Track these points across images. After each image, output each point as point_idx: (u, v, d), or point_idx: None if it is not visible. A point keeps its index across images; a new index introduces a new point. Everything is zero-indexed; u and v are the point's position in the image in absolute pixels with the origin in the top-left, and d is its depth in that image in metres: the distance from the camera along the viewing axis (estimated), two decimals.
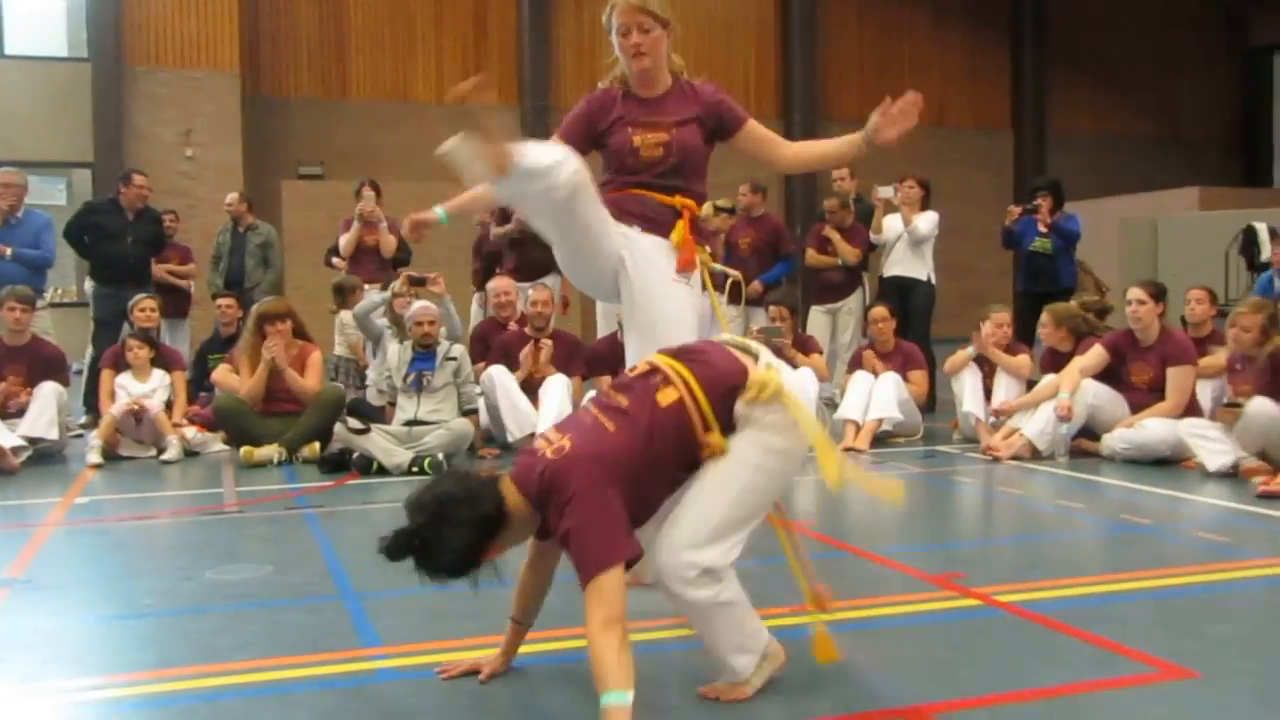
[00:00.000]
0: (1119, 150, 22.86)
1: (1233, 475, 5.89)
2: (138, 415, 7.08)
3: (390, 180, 11.62)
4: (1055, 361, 7.11)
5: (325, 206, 14.75)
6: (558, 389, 7.00)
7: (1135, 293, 6.78)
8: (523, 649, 3.21)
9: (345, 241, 8.99)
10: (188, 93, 16.22)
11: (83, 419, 8.33)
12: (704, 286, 3.88)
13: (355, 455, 6.41)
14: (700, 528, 2.72)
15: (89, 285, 9.76)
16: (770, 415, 2.76)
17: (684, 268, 3.74)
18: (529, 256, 8.39)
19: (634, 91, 3.88)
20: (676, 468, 2.76)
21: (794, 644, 3.26)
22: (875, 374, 7.44)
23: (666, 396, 2.74)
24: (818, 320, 9.53)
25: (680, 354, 2.88)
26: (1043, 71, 22.60)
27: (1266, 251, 12.88)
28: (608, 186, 3.80)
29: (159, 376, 7.48)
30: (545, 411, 6.89)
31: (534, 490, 2.66)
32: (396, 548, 2.65)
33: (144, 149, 15.87)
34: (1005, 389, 7.17)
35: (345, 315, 8.48)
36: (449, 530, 2.59)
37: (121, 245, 8.69)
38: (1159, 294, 6.78)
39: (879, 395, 7.29)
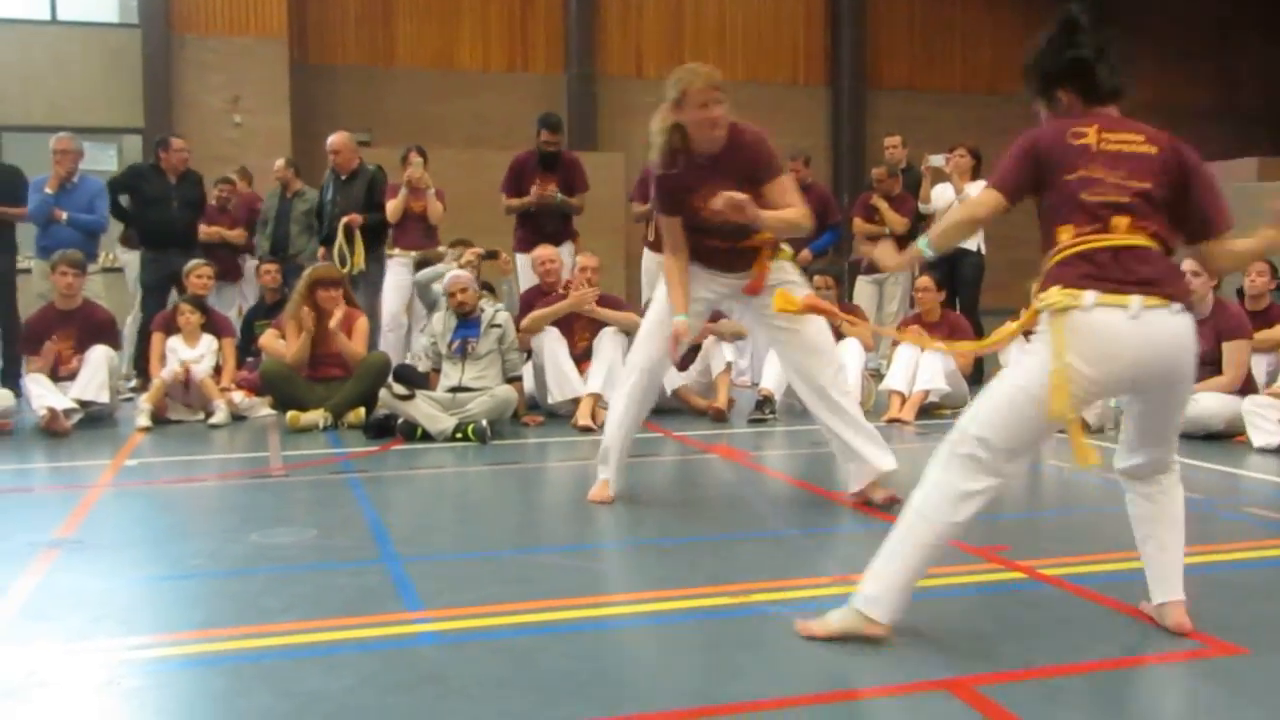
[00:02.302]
0: (1176, 119, 22.17)
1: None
2: (185, 380, 7.17)
3: (437, 147, 11.63)
4: None
5: None
6: (611, 346, 7.02)
7: (1189, 264, 6.64)
8: (563, 615, 3.22)
9: (392, 208, 9.01)
10: (236, 59, 16.32)
11: (132, 383, 8.45)
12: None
13: (400, 421, 6.45)
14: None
15: (120, 251, 9.89)
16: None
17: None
18: (543, 228, 8.45)
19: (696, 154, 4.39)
20: None
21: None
22: (921, 348, 7.36)
23: None
24: (865, 290, 9.45)
25: None
26: (1098, 38, 22.17)
27: None
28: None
29: (208, 342, 7.57)
30: (596, 368, 6.93)
31: None
32: None
33: (193, 115, 16.00)
34: None
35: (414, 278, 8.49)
36: None
37: (167, 210, 8.78)
38: None
39: (925, 366, 7.22)
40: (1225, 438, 6.28)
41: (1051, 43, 3.14)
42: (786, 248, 4.69)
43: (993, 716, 2.50)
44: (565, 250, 8.33)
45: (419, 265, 8.21)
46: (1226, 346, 6.46)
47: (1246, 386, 6.34)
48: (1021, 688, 2.68)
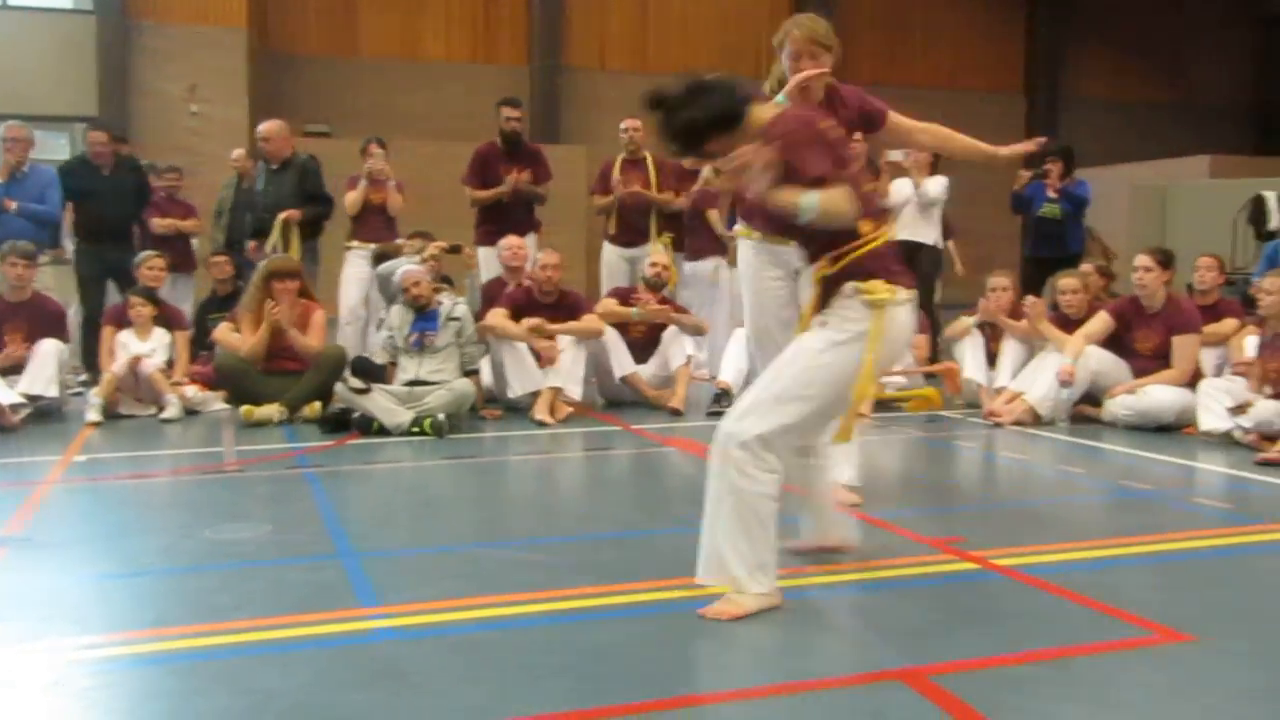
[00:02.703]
0: (1131, 116, 22.70)
1: (1227, 442, 5.89)
2: (134, 369, 7.07)
3: (399, 139, 11.57)
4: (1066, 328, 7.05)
5: (331, 164, 14.60)
6: (571, 343, 7.05)
7: (1142, 259, 6.74)
8: (521, 609, 3.22)
9: (351, 200, 8.94)
10: (194, 48, 16.14)
11: (83, 376, 8.35)
12: None
13: (356, 415, 6.41)
14: (748, 401, 3.22)
15: (68, 241, 9.73)
16: (851, 313, 3.17)
17: None
18: (509, 219, 8.43)
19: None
20: None
21: (796, 605, 3.27)
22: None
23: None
24: None
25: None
26: (1057, 36, 22.40)
27: (1275, 220, 12.84)
28: None
29: (160, 335, 7.48)
30: (559, 362, 6.97)
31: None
32: (658, 99, 3.17)
33: (149, 104, 15.83)
34: (1011, 355, 7.14)
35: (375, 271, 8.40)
36: (705, 99, 3.14)
37: (99, 202, 8.59)
38: (1166, 261, 6.73)
39: None
40: (1175, 429, 6.38)
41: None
42: None
43: (946, 706, 2.52)
44: (530, 241, 8.31)
45: (378, 258, 8.15)
46: (1176, 341, 6.56)
47: (1195, 380, 6.43)
48: (974, 677, 2.71)
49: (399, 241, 8.33)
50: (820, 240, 3.24)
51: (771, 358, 4.30)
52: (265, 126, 8.49)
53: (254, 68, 16.82)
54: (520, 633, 3.07)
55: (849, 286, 3.19)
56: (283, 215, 8.04)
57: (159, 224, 9.33)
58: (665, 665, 2.83)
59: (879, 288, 3.16)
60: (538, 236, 8.67)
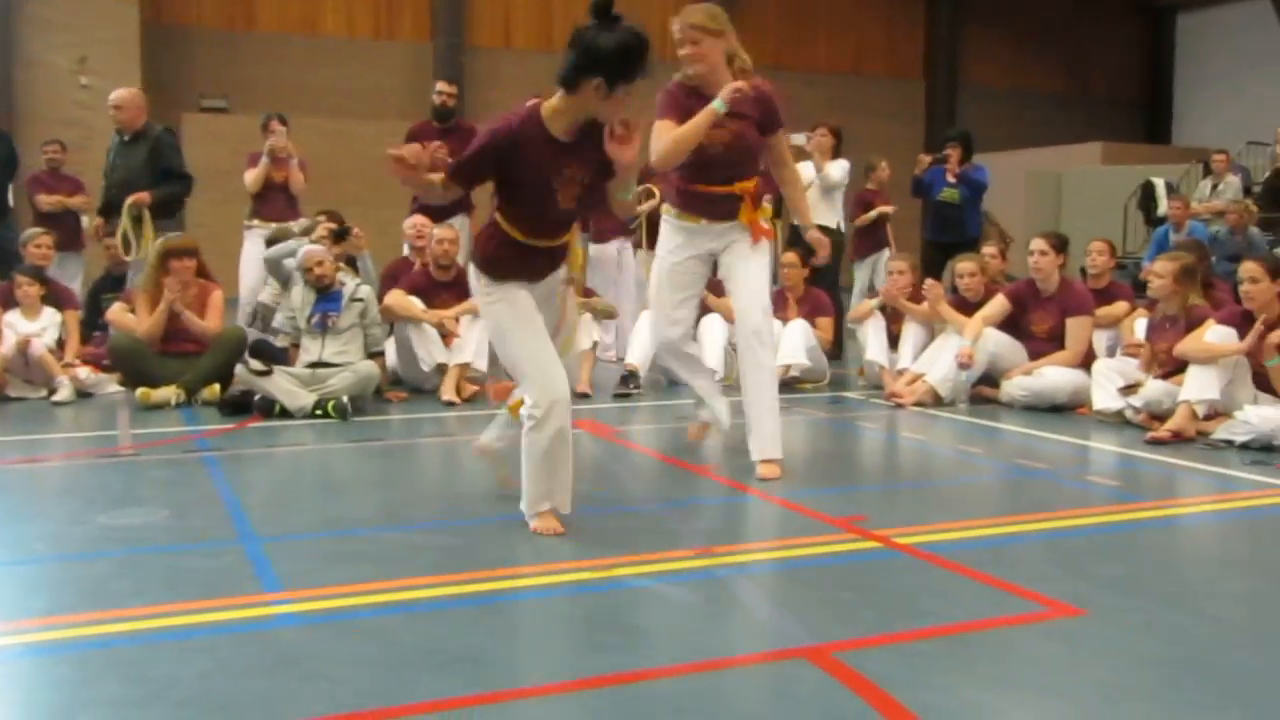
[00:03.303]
0: (1027, 103, 23.24)
1: (1119, 421, 6.09)
2: (22, 350, 6.83)
3: (299, 116, 11.33)
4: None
5: (229, 141, 14.36)
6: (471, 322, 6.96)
7: (1037, 244, 6.92)
8: (426, 593, 3.20)
9: (252, 178, 8.73)
10: (83, 17, 15.58)
11: None
12: None
13: (257, 398, 6.28)
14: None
15: None
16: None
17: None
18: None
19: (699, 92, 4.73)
20: None
21: (702, 585, 3.30)
22: (784, 321, 7.49)
23: None
24: None
25: None
26: (956, 24, 22.82)
27: (1163, 206, 13.27)
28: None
29: (50, 314, 7.24)
30: (464, 339, 6.87)
31: None
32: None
33: (35, 76, 15.26)
34: (912, 337, 7.28)
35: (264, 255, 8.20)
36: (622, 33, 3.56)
37: None
38: (1060, 245, 6.92)
39: (787, 341, 7.35)
40: (1069, 409, 6.57)
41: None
42: (767, 205, 5.03)
43: (849, 682, 2.57)
44: (460, 223, 8.15)
45: (269, 242, 7.94)
46: (1070, 322, 6.75)
47: (1088, 361, 6.63)
48: (877, 653, 2.76)
49: (289, 224, 8.12)
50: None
51: (660, 328, 5.00)
52: (116, 94, 7.97)
53: (147, 40, 16.32)
54: (426, 617, 3.05)
55: None
56: (129, 200, 7.66)
57: (45, 201, 9.02)
58: (573, 647, 2.83)
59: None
60: (470, 219, 8.49)
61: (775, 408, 4.77)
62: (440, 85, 8.94)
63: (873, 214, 10.04)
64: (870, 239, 9.99)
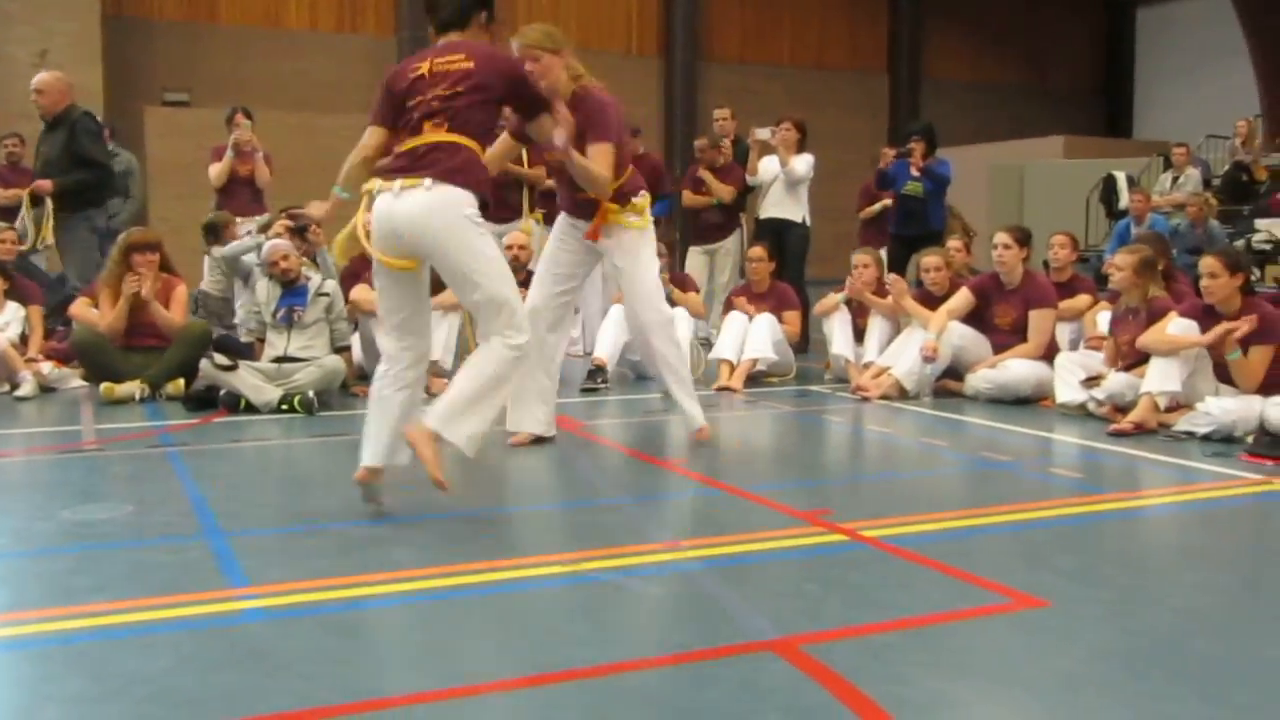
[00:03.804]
0: (990, 97, 23.41)
1: (1082, 414, 6.15)
2: None
3: (263, 109, 11.24)
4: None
5: (192, 135, 14.21)
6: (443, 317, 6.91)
7: (1001, 237, 6.98)
8: (393, 588, 3.19)
9: (217, 171, 8.65)
10: (43, 10, 15.39)
11: None
12: None
13: (222, 392, 6.24)
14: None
15: None
16: None
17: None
18: None
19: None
20: None
21: (667, 578, 3.31)
22: (750, 316, 7.52)
23: None
24: (696, 261, 9.58)
25: None
26: (919, 16, 22.94)
27: (1125, 199, 13.41)
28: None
29: (13, 309, 7.15)
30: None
31: None
32: None
33: None
34: (878, 331, 7.32)
35: (220, 252, 8.16)
36: None
37: None
38: (1023, 239, 6.98)
39: (754, 335, 7.38)
40: (1033, 402, 6.63)
41: None
42: (638, 202, 5.12)
43: (815, 675, 2.58)
44: None
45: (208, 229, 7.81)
46: (1032, 315, 6.81)
47: (1051, 354, 6.69)
48: (843, 645, 2.78)
49: (256, 219, 8.04)
50: None
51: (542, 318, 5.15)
52: (38, 78, 7.76)
53: (108, 33, 16.12)
54: (393, 611, 3.04)
55: None
56: (30, 188, 7.47)
57: (2, 195, 8.89)
58: (541, 642, 2.83)
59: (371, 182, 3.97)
60: None
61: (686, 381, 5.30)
62: None
63: (877, 206, 10.18)
64: (877, 230, 10.06)
